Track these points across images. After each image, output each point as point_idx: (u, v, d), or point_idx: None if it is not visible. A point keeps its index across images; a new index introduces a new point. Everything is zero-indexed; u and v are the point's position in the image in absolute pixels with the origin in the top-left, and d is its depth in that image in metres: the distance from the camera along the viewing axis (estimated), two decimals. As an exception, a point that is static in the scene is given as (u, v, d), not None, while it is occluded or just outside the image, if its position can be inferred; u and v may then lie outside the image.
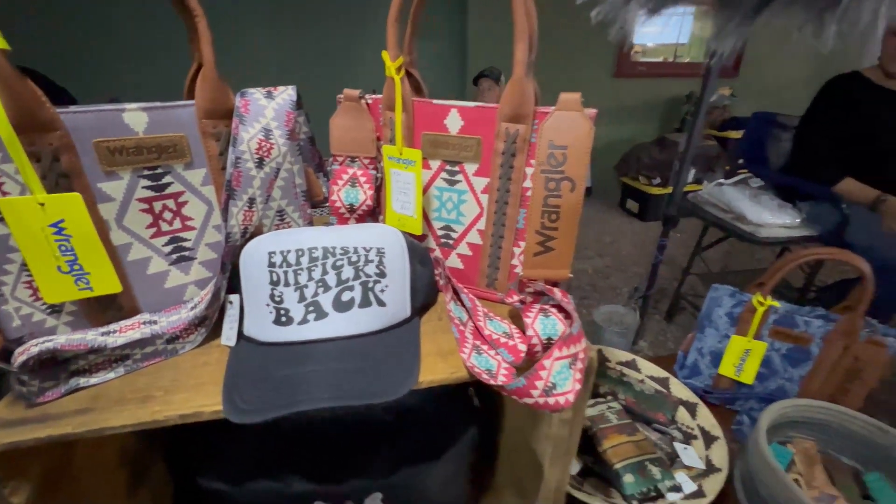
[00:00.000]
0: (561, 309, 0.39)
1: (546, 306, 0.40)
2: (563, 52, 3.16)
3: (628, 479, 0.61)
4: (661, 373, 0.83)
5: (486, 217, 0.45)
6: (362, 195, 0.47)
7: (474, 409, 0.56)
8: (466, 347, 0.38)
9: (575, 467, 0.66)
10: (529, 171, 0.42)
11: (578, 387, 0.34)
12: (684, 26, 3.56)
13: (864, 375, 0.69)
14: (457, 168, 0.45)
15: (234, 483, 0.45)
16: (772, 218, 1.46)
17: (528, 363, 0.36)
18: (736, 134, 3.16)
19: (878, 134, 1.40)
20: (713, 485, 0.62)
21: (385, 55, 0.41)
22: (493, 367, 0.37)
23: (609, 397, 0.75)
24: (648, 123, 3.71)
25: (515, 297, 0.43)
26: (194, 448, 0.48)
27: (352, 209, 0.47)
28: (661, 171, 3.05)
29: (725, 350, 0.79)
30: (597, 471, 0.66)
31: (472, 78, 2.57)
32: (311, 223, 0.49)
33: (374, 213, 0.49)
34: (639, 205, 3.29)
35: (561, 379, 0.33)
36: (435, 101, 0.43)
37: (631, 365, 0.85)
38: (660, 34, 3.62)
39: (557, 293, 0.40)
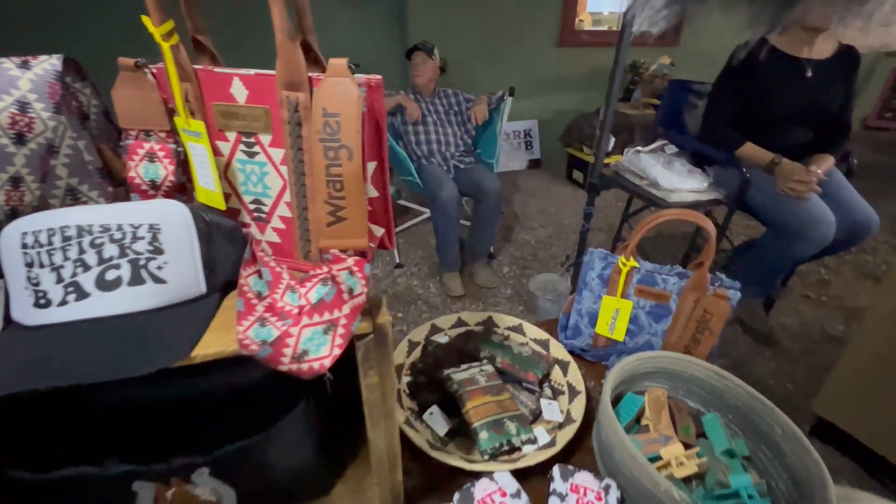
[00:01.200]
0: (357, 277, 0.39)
1: (332, 274, 0.40)
2: (508, 22, 3.12)
3: (483, 435, 0.64)
4: (543, 335, 0.86)
5: (290, 189, 0.45)
6: (163, 170, 0.45)
7: (312, 381, 0.56)
8: (249, 319, 0.38)
9: (442, 429, 0.69)
10: (316, 140, 0.41)
11: (338, 352, 0.35)
12: (626, -7, 3.55)
13: (712, 325, 0.75)
14: (252, 139, 0.43)
15: (46, 471, 0.45)
16: (681, 183, 1.52)
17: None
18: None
19: (777, 100, 1.47)
20: (566, 435, 0.66)
21: (146, 20, 0.38)
22: (271, 338, 0.37)
23: (485, 361, 0.78)
24: (593, 93, 3.74)
25: (324, 269, 0.44)
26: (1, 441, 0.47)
27: (155, 185, 0.45)
28: (603, 141, 3.10)
29: (599, 310, 0.83)
30: (462, 431, 0.69)
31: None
32: (116, 201, 0.47)
33: (184, 188, 0.48)
34: (584, 175, 3.35)
35: (313, 345, 0.34)
36: (217, 70, 0.41)
37: (518, 329, 0.89)
38: (611, 2, 3.60)
39: (350, 261, 0.40)
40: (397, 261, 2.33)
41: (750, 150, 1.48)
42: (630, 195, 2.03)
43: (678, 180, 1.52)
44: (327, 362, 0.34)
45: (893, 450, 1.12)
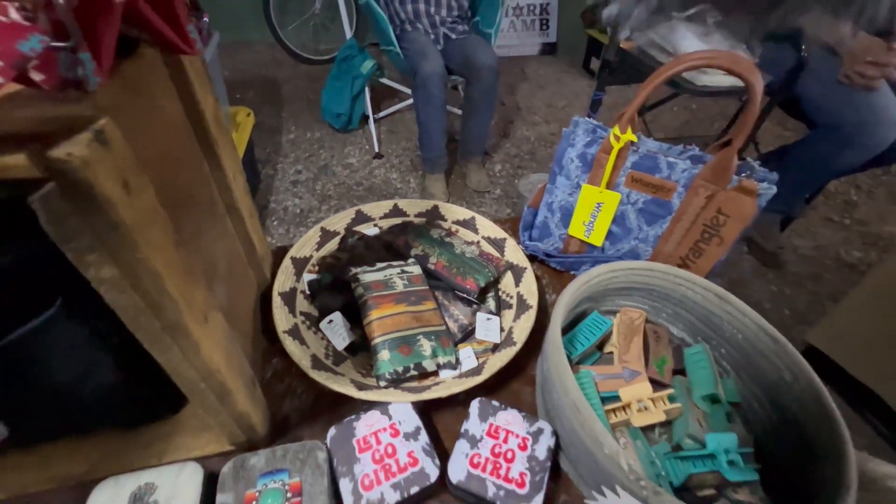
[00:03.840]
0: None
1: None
2: None
3: (383, 356, 0.47)
4: (499, 234, 0.66)
5: None
6: None
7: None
8: None
9: (342, 342, 0.53)
10: None
11: None
12: None
13: (724, 232, 0.54)
14: None
15: None
16: (718, 62, 1.19)
17: None
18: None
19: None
20: (498, 361, 0.49)
21: None
22: None
23: (413, 261, 0.59)
24: (630, -41, 3.06)
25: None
26: None
27: None
28: (631, 21, 2.58)
29: (576, 204, 0.62)
30: (366, 346, 0.52)
31: None
32: None
33: None
34: (605, 71, 2.88)
35: None
36: None
37: (469, 224, 0.69)
38: None
39: None
40: (377, 150, 2.06)
41: (820, 19, 1.13)
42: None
43: (715, 57, 1.19)
44: None
45: (888, 387, 1.00)
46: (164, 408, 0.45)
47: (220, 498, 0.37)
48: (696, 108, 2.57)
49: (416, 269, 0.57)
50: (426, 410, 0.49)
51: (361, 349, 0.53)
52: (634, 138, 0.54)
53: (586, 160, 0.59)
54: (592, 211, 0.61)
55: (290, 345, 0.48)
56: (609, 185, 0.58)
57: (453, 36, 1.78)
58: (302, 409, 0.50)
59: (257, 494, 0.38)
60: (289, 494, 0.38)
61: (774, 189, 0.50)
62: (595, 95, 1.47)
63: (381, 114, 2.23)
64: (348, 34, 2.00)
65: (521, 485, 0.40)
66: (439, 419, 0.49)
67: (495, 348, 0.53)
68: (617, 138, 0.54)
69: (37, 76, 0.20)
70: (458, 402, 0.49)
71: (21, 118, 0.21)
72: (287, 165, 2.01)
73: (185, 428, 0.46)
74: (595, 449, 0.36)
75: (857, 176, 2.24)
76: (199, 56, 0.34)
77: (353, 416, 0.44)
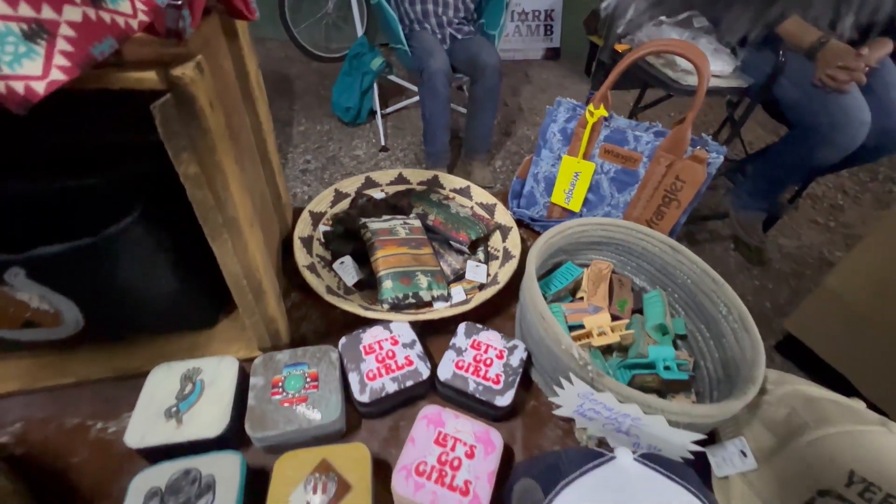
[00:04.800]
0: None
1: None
2: None
3: (387, 284, 0.57)
4: (490, 200, 0.76)
5: None
6: None
7: (157, 188, 0.46)
8: None
9: (352, 279, 0.62)
10: None
11: (61, 76, 0.23)
12: None
13: (681, 195, 0.63)
14: None
15: None
16: (702, 64, 1.28)
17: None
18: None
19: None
20: (484, 295, 0.59)
21: None
22: None
23: (413, 216, 0.68)
24: (633, -30, 3.17)
25: None
26: None
27: None
28: (631, 29, 2.69)
29: (558, 174, 0.71)
30: (372, 284, 0.62)
31: None
32: None
33: None
34: (602, 73, 2.98)
35: (9, 55, 0.22)
36: None
37: (464, 192, 0.78)
38: None
39: None
40: (383, 143, 2.17)
41: (794, 25, 1.22)
42: (642, 87, 1.79)
43: (699, 60, 1.28)
44: (38, 87, 0.23)
45: (855, 372, 1.08)
46: (207, 318, 0.55)
47: (253, 380, 0.46)
48: (683, 103, 2.65)
49: (416, 223, 0.66)
50: (421, 336, 0.58)
51: (368, 287, 0.62)
52: (606, 113, 0.63)
53: (566, 134, 0.68)
54: (571, 180, 0.70)
55: (308, 276, 0.58)
56: (585, 156, 0.68)
57: (459, 36, 1.88)
58: (317, 331, 0.59)
59: (282, 379, 0.47)
60: (308, 380, 0.47)
61: (721, 158, 0.60)
62: (590, 94, 1.56)
63: (389, 109, 2.33)
64: (360, 33, 2.11)
65: (497, 382, 0.49)
66: (432, 343, 0.58)
67: (481, 287, 0.62)
68: (591, 114, 0.63)
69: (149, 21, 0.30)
70: (449, 331, 0.58)
71: (149, 52, 0.30)
72: (297, 155, 2.11)
73: (221, 338, 0.55)
74: (554, 347, 0.45)
75: (844, 181, 2.33)
76: (255, 18, 0.43)
77: (360, 329, 0.53)
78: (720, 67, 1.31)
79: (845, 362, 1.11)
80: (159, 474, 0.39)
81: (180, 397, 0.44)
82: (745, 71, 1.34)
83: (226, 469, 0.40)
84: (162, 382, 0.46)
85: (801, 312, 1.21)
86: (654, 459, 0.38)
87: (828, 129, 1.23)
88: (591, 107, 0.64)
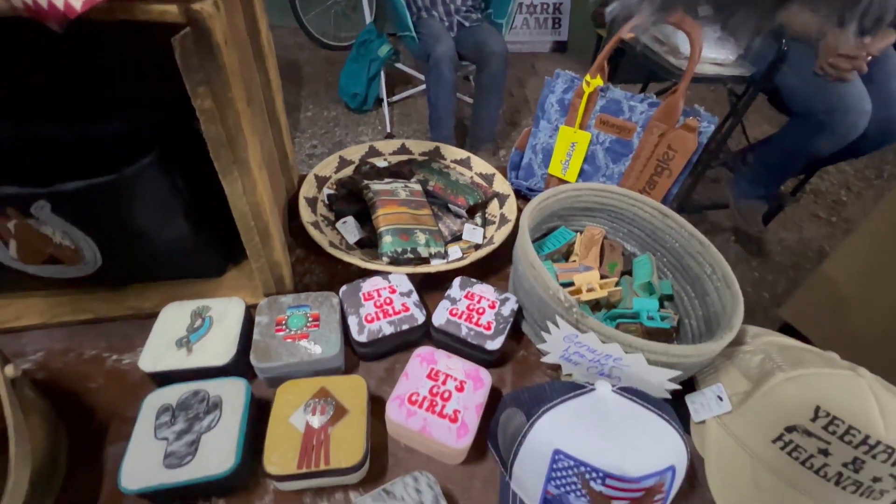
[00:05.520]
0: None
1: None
2: None
3: (386, 239, 0.59)
4: (489, 170, 0.78)
5: None
6: None
7: (173, 133, 0.49)
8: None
9: (353, 238, 0.65)
10: None
11: (95, -6, 0.26)
12: None
13: (672, 164, 0.65)
14: None
15: None
16: (704, 51, 1.30)
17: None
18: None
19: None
20: (479, 253, 0.61)
21: None
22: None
23: (414, 180, 0.71)
24: (643, -36, 3.17)
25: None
26: None
27: None
28: (639, 22, 2.69)
29: (555, 145, 0.73)
30: (373, 242, 0.64)
31: None
32: None
33: None
34: (610, 66, 2.98)
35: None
36: None
37: (465, 163, 0.80)
38: None
39: None
40: (388, 130, 2.19)
41: (798, 13, 1.23)
42: (645, 80, 1.80)
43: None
44: (76, 3, 0.26)
45: (847, 356, 1.09)
46: (216, 266, 0.58)
47: (258, 318, 0.49)
48: (690, 95, 2.66)
49: (417, 186, 0.69)
50: (418, 290, 0.60)
51: (369, 245, 0.65)
52: (602, 83, 0.65)
53: (564, 105, 0.70)
54: (568, 150, 0.72)
55: (312, 231, 0.60)
56: (582, 126, 0.70)
57: (466, 24, 1.90)
58: (320, 283, 0.62)
59: (286, 318, 0.50)
60: (310, 319, 0.50)
61: (713, 127, 0.62)
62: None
63: (395, 97, 2.36)
64: (368, 20, 2.14)
65: (488, 328, 0.51)
66: (428, 297, 0.61)
67: (477, 248, 0.65)
68: (587, 83, 0.66)
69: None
70: (445, 287, 0.60)
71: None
72: (304, 140, 2.14)
73: (229, 285, 0.58)
74: (543, 292, 0.48)
75: (848, 178, 2.33)
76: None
77: (360, 279, 0.56)
78: (723, 56, 1.32)
79: (837, 347, 1.12)
80: (171, 393, 0.42)
81: (190, 330, 0.47)
82: (747, 58, 1.35)
83: (232, 391, 0.43)
84: (174, 317, 0.49)
85: (796, 300, 1.23)
86: (631, 392, 0.40)
87: (826, 116, 1.24)
88: (587, 76, 0.66)
